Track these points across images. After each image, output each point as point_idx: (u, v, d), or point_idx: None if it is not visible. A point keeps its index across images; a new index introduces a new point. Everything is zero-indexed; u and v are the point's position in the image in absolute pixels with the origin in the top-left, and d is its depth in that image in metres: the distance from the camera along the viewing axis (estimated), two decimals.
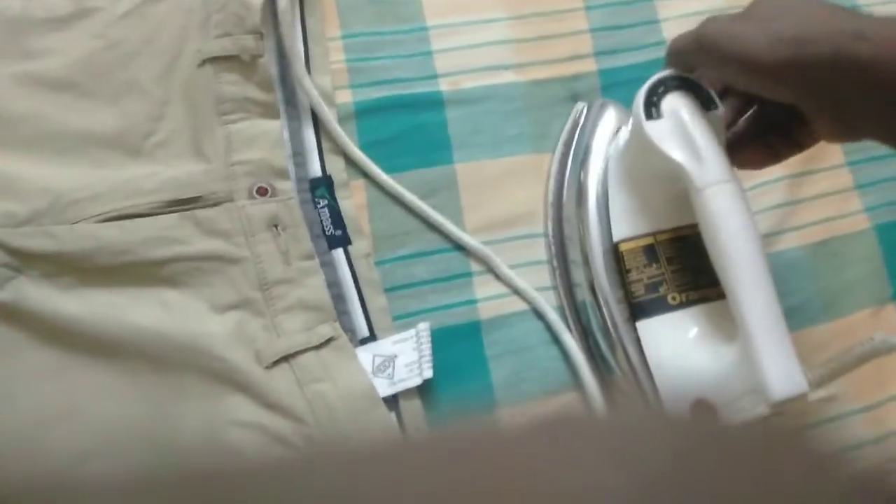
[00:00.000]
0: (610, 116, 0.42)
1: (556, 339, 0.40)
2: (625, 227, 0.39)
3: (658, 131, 0.34)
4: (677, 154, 0.34)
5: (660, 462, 0.14)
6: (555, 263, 0.42)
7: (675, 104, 0.35)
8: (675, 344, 0.37)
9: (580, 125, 0.44)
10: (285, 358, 0.36)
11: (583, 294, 0.40)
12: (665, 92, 0.35)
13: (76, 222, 0.36)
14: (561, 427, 0.16)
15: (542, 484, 0.13)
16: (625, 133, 0.40)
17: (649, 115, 0.35)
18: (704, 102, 0.35)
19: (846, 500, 0.14)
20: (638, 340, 0.37)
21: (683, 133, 0.34)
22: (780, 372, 0.31)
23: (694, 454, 0.14)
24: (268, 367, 0.35)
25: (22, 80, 0.38)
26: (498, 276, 0.41)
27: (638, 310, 0.38)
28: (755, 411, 0.32)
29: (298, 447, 0.34)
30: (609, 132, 0.41)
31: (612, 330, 0.38)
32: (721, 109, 0.35)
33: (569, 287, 0.41)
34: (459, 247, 0.41)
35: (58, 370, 0.35)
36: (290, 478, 0.14)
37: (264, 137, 0.40)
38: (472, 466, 0.14)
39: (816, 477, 0.14)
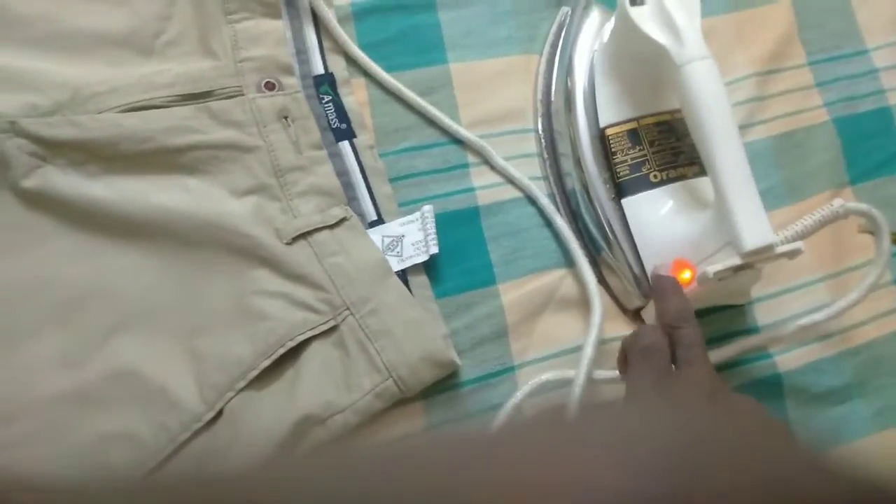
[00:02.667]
0: (594, 16, 0.45)
1: (548, 223, 0.44)
2: (611, 113, 0.42)
3: (641, 16, 0.38)
4: (659, 36, 0.37)
5: (656, 459, 0.14)
6: (545, 155, 0.45)
7: None
8: (657, 215, 0.40)
9: (565, 27, 0.47)
10: (303, 235, 0.38)
11: (572, 182, 0.44)
12: None
13: (100, 112, 0.38)
14: (559, 425, 0.16)
15: (539, 481, 0.13)
16: (609, 29, 0.43)
17: (633, 2, 0.38)
18: None
19: (845, 499, 0.14)
20: (623, 216, 0.41)
21: (664, 16, 0.37)
22: (752, 225, 0.35)
23: (690, 451, 0.14)
24: (288, 244, 0.38)
25: None
26: (493, 167, 0.44)
27: (623, 188, 0.41)
28: (728, 263, 0.36)
29: (320, 310, 0.37)
30: (594, 29, 0.44)
31: (598, 208, 0.42)
32: None
33: (558, 176, 0.45)
34: (456, 140, 0.44)
35: (88, 252, 0.37)
36: (297, 480, 0.14)
37: (269, 36, 0.42)
38: (473, 466, 0.14)
39: (815, 476, 0.14)
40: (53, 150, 0.37)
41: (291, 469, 0.15)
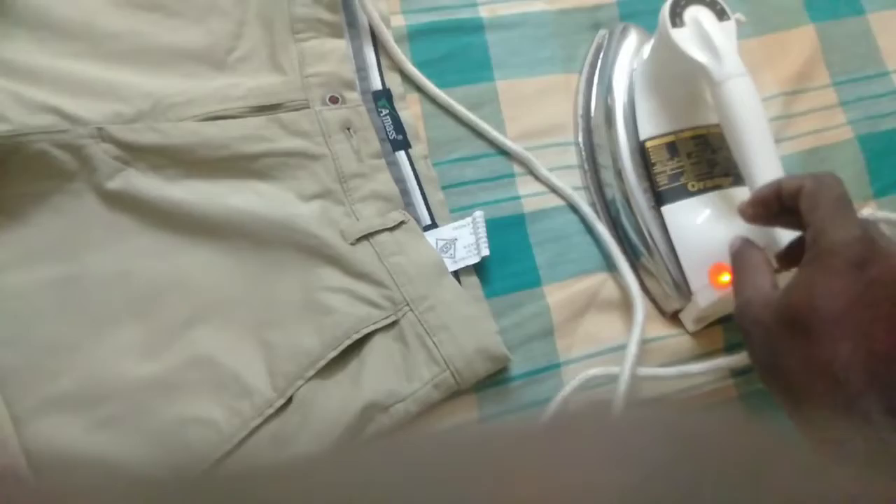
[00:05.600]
0: (632, 37, 0.48)
1: (589, 230, 0.46)
2: (650, 127, 0.45)
3: (682, 37, 0.41)
4: (699, 55, 0.40)
5: (657, 462, 0.14)
6: (585, 167, 0.48)
7: (695, 14, 0.41)
8: (695, 222, 0.43)
9: (604, 48, 0.50)
10: (365, 237, 0.41)
11: (612, 192, 0.46)
12: (686, 4, 0.41)
13: (180, 121, 0.41)
14: (563, 428, 0.17)
15: (542, 483, 0.13)
16: (647, 49, 0.46)
17: (674, 24, 0.41)
18: (719, 13, 0.41)
19: (841, 501, 0.14)
20: (662, 223, 0.44)
21: (703, 38, 0.40)
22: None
23: (692, 455, 0.14)
24: (352, 244, 0.41)
25: (116, 0, 0.43)
26: (537, 177, 0.47)
27: (662, 197, 0.44)
28: None
29: (382, 306, 0.39)
30: (632, 49, 0.48)
31: (638, 216, 0.44)
32: (732, 20, 0.41)
33: (599, 186, 0.47)
34: (503, 152, 0.47)
35: (166, 249, 0.40)
36: (291, 480, 0.14)
37: (333, 54, 0.45)
38: (477, 468, 0.14)
39: (812, 481, 0.14)
40: (136, 154, 0.40)
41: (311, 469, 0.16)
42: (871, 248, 0.29)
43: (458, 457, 0.15)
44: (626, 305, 0.44)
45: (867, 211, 0.41)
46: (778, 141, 0.51)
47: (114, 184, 0.40)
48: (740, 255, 0.35)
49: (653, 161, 0.44)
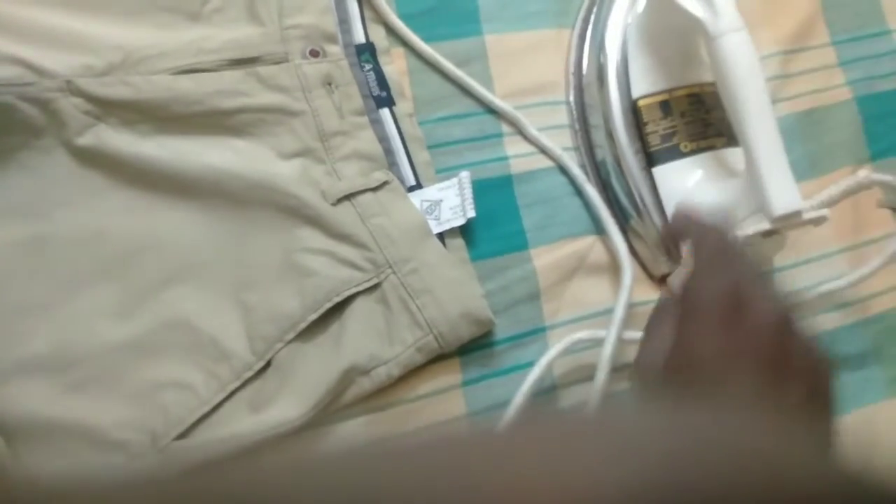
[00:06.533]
0: None
1: (578, 192, 0.45)
2: (643, 85, 0.43)
3: None
4: (695, 8, 0.38)
5: (655, 460, 0.14)
6: (576, 127, 0.47)
7: None
8: (687, 183, 0.42)
9: (598, 1, 0.48)
10: (347, 197, 0.40)
11: (602, 153, 0.45)
12: None
13: (152, 74, 0.39)
14: (559, 426, 0.16)
15: (540, 482, 0.13)
16: (643, 2, 0.44)
17: None
18: None
19: (846, 500, 0.14)
20: (653, 185, 0.43)
21: None
22: (782, 191, 0.36)
23: (690, 452, 0.14)
24: (333, 205, 0.39)
25: None
26: (526, 137, 0.46)
27: (654, 157, 0.43)
28: (758, 227, 0.37)
29: (364, 268, 0.38)
30: (627, 2, 0.45)
31: (629, 177, 0.43)
32: None
33: (589, 147, 0.46)
34: (491, 110, 0.46)
35: (139, 208, 0.39)
36: (291, 480, 0.14)
37: (313, 4, 0.43)
38: (473, 466, 0.14)
39: (815, 477, 0.14)
40: (107, 109, 0.39)
41: (283, 468, 0.15)
42: (739, 300, 0.27)
43: (452, 458, 0.15)
44: (614, 269, 0.43)
45: (863, 173, 0.39)
46: (775, 101, 0.49)
47: (84, 140, 0.38)
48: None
49: (645, 120, 0.43)
